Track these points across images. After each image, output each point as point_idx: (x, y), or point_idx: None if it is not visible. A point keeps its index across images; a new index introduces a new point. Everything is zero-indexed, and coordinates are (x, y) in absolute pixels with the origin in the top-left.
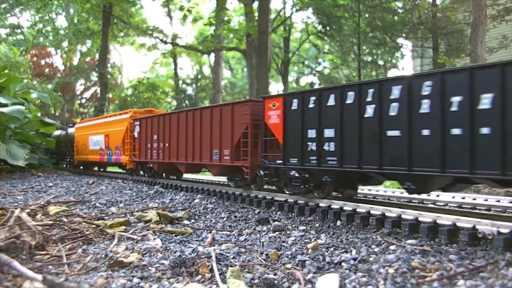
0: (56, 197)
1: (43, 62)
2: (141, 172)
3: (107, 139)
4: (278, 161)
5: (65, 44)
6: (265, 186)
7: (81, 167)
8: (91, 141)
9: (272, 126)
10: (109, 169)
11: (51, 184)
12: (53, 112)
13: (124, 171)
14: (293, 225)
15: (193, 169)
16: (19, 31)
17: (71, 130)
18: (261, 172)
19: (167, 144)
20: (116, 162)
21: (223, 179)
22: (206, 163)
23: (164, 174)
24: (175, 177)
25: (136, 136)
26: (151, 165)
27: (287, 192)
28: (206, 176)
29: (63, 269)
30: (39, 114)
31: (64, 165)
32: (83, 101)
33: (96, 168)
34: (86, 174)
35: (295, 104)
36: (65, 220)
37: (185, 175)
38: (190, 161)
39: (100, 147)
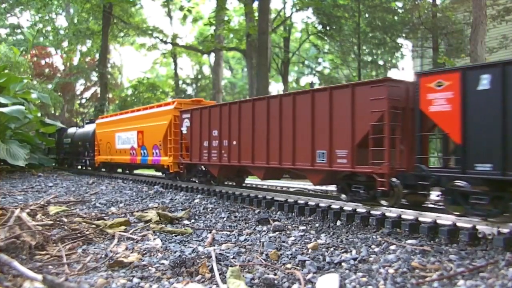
0: (56, 197)
1: (43, 62)
2: (184, 177)
3: (141, 136)
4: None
5: (65, 44)
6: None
7: (103, 169)
8: (118, 139)
9: (436, 116)
10: (139, 171)
11: (51, 184)
12: (53, 112)
13: (163, 174)
14: (293, 225)
15: (274, 174)
16: (19, 31)
17: (89, 127)
18: (398, 181)
19: (234, 142)
20: (154, 164)
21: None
22: (303, 167)
23: (219, 180)
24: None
25: (184, 132)
26: (205, 168)
27: (476, 219)
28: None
29: (63, 269)
30: (39, 114)
31: (80, 167)
32: (83, 101)
33: (120, 170)
34: (86, 174)
35: (485, 82)
36: (65, 220)
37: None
38: (275, 164)
39: (131, 145)
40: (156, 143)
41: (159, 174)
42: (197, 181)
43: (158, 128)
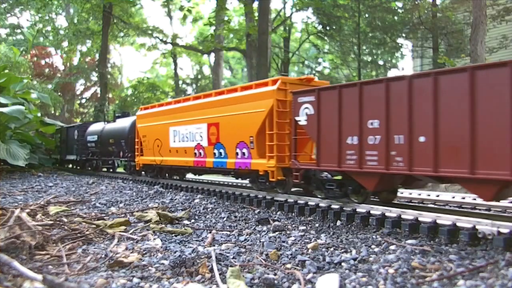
0: (56, 197)
1: (43, 62)
2: (294, 187)
3: (214, 131)
4: None
5: (65, 44)
6: None
7: (146, 173)
8: (174, 135)
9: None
10: (206, 177)
11: (51, 184)
12: (53, 112)
13: (251, 183)
14: (293, 225)
15: None
16: (19, 31)
17: (125, 122)
18: None
19: (422, 139)
20: (238, 168)
21: (222, 178)
22: None
23: (375, 194)
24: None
25: (303, 123)
26: (344, 177)
27: None
28: (205, 176)
29: (63, 269)
30: (39, 114)
31: (111, 170)
32: (83, 101)
33: (166, 174)
34: (86, 174)
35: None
36: (65, 220)
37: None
38: None
39: (197, 143)
40: (244, 140)
41: (235, 182)
42: (321, 196)
43: (248, 118)
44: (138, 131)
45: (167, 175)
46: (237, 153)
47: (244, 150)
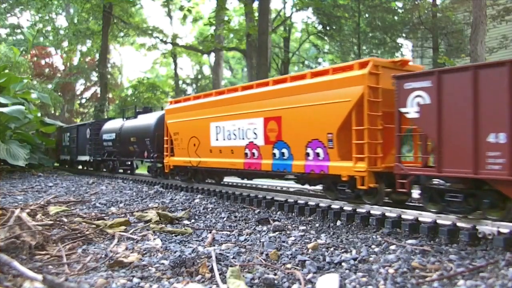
0: (56, 197)
1: (43, 62)
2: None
3: (274, 127)
4: None
5: (65, 44)
6: None
7: (176, 176)
8: (217, 132)
9: None
10: (260, 181)
11: (51, 184)
12: (53, 112)
13: (325, 190)
14: (293, 225)
15: None
16: (19, 31)
17: (149, 118)
18: None
19: None
20: (311, 172)
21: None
22: None
23: None
24: None
25: (414, 115)
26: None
27: None
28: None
29: (63, 269)
30: (39, 114)
31: (129, 172)
32: (83, 101)
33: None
34: (86, 174)
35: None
36: (65, 220)
37: None
38: None
39: (249, 141)
40: (319, 137)
41: (236, 182)
42: (435, 210)
43: (325, 111)
44: (168, 127)
45: (202, 178)
46: (307, 154)
47: (319, 150)
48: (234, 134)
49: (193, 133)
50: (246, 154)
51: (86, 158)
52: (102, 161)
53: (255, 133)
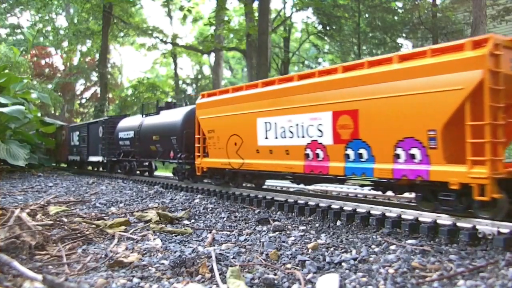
0: (56, 197)
1: (43, 62)
2: None
3: (348, 122)
4: None
5: (65, 44)
6: None
7: (210, 179)
8: (267, 129)
9: None
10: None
11: (51, 184)
12: (53, 112)
13: (418, 201)
14: (293, 225)
15: None
16: (19, 31)
17: (175, 114)
18: None
19: None
20: (403, 177)
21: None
22: None
23: None
24: None
25: None
26: None
27: None
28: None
29: (63, 269)
30: (39, 114)
31: (146, 173)
32: (83, 101)
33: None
34: (86, 174)
35: None
36: (65, 220)
37: None
38: None
39: (312, 140)
40: (415, 135)
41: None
42: None
43: (425, 102)
44: (200, 124)
45: (241, 181)
46: (396, 156)
47: (415, 151)
48: (291, 132)
49: (234, 131)
50: (307, 155)
51: (99, 158)
52: (117, 162)
53: (320, 130)
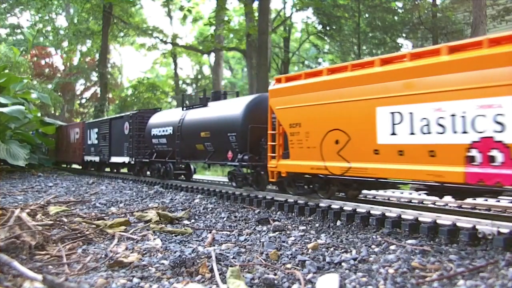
0: (56, 197)
1: (43, 62)
2: None
3: None
4: None
5: (65, 44)
6: None
7: (289, 187)
8: (393, 122)
9: None
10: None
11: (51, 184)
12: (53, 112)
13: None
14: (293, 225)
15: None
16: (19, 31)
17: (236, 105)
18: None
19: None
20: None
21: (222, 178)
22: None
23: None
24: None
25: None
26: None
27: None
28: (205, 176)
29: (63, 269)
30: (39, 114)
31: (182, 177)
32: (83, 101)
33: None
34: (86, 174)
35: None
36: (65, 220)
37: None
38: None
39: (481, 137)
40: None
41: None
42: None
43: None
44: (278, 116)
45: (335, 191)
46: None
47: None
48: (440, 125)
49: (335, 124)
50: (470, 158)
51: (124, 159)
52: (148, 164)
53: (498, 123)
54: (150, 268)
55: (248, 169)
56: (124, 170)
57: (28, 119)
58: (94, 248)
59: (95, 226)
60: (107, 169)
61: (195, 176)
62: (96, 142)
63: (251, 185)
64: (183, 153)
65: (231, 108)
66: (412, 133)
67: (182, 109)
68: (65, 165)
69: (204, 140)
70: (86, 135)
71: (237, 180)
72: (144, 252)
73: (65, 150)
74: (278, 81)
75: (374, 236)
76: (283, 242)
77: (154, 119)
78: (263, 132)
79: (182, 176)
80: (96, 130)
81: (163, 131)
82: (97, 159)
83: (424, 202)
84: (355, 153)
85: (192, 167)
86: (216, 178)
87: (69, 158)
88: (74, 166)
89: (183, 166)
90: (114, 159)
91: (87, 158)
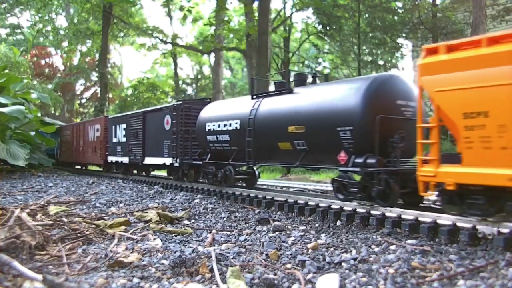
0: (56, 197)
1: (43, 62)
2: None
3: None
4: None
5: (65, 44)
6: None
7: (444, 203)
8: None
9: None
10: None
11: (51, 184)
12: (53, 112)
13: None
14: (293, 225)
15: None
16: (19, 31)
17: (348, 90)
18: None
19: None
20: None
21: None
22: None
23: None
24: None
25: None
26: None
27: None
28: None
29: (63, 269)
30: (39, 114)
31: (241, 183)
32: (83, 101)
33: None
34: (86, 174)
35: None
36: (65, 220)
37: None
38: None
39: None
40: None
41: None
42: None
43: None
44: (439, 103)
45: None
46: None
47: None
48: None
49: None
50: None
51: (164, 161)
52: (200, 166)
53: None
54: (150, 268)
55: (366, 176)
56: (159, 172)
57: (28, 119)
58: (94, 248)
59: (95, 226)
60: (135, 171)
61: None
62: (124, 140)
63: (374, 199)
64: (257, 153)
65: (341, 93)
66: None
67: (252, 97)
68: (79, 167)
69: (294, 137)
70: (111, 132)
71: (351, 191)
72: (144, 252)
73: (81, 150)
74: (432, 51)
75: (374, 236)
76: (283, 242)
77: (208, 111)
78: (395, 126)
79: (242, 181)
80: (123, 126)
81: (225, 125)
82: (125, 160)
83: (424, 202)
84: None
85: (256, 171)
86: None
87: (86, 158)
88: (91, 167)
89: (243, 169)
90: (149, 160)
91: (112, 158)
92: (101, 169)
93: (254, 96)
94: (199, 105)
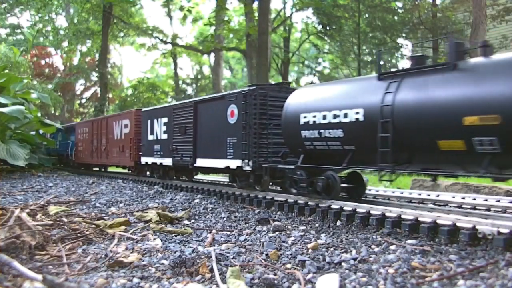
0: (56, 197)
1: (43, 62)
2: None
3: None
4: None
5: (65, 44)
6: None
7: None
8: None
9: None
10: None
11: (51, 184)
12: (53, 112)
13: None
14: (293, 225)
15: None
16: (19, 31)
17: None
18: None
19: None
20: None
21: (222, 178)
22: None
23: None
24: None
25: None
26: None
27: None
28: (206, 176)
29: (63, 269)
30: (39, 114)
31: (344, 194)
32: (83, 101)
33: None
34: (86, 174)
35: None
36: (65, 220)
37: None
38: None
39: None
40: None
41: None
42: None
43: None
44: None
45: None
46: None
47: None
48: None
49: None
50: None
51: (228, 163)
52: (289, 172)
53: None
54: (150, 268)
55: None
56: (213, 177)
57: (28, 119)
58: (94, 248)
59: (95, 226)
60: (184, 177)
61: (195, 176)
62: (164, 137)
63: None
64: (397, 155)
65: None
66: None
67: (379, 78)
68: (97, 169)
69: (474, 131)
70: (145, 128)
71: None
72: (144, 252)
73: (104, 150)
74: None
75: (374, 236)
76: (283, 242)
77: (301, 97)
78: None
79: (343, 193)
80: (164, 120)
81: (335, 116)
82: (166, 161)
83: (424, 202)
84: None
85: (365, 177)
86: (216, 178)
87: (111, 160)
88: (120, 169)
89: (343, 176)
90: (204, 162)
91: (147, 160)
92: (130, 172)
93: (383, 76)
94: (277, 91)
